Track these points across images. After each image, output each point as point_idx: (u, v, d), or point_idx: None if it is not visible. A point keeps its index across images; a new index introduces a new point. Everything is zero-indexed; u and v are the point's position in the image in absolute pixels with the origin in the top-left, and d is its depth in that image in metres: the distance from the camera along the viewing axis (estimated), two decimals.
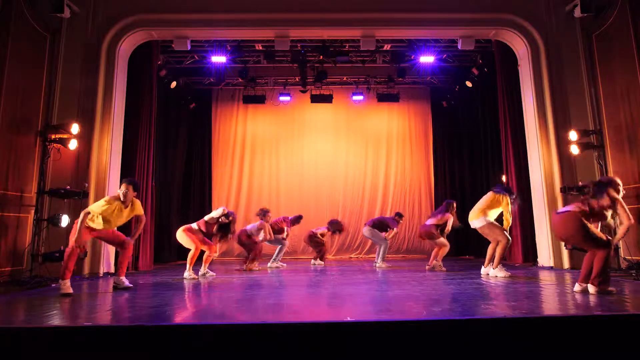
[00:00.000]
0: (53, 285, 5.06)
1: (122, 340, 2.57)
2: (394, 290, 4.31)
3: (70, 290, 4.19)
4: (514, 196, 5.69)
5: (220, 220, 5.93)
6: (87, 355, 2.53)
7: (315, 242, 8.31)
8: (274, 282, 5.39)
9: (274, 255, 7.76)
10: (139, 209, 4.75)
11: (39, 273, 5.72)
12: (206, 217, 5.99)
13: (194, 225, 5.92)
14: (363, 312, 3.21)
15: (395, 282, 5.07)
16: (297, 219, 8.21)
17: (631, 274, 5.36)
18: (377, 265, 7.44)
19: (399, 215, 7.98)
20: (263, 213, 7.21)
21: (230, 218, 5.99)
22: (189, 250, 5.87)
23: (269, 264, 7.58)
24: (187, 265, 5.76)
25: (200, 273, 5.99)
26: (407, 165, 11.17)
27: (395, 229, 7.65)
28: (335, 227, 8.24)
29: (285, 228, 7.80)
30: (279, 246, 7.78)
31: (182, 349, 2.53)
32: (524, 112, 7.41)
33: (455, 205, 6.60)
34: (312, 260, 8.33)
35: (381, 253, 7.50)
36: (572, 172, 6.72)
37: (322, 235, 8.34)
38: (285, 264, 7.99)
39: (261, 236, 7.14)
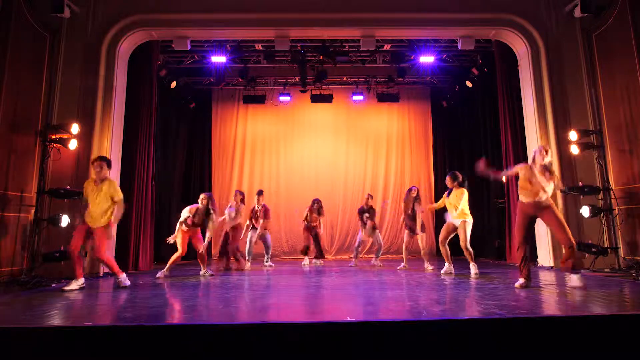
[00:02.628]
0: (53, 285, 5.08)
1: (122, 340, 2.57)
2: (393, 290, 4.31)
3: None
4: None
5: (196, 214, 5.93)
6: (87, 355, 2.53)
7: (305, 233, 8.09)
8: (273, 282, 5.38)
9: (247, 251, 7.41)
10: (114, 190, 4.77)
11: (39, 273, 5.71)
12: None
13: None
14: (363, 312, 3.21)
15: (395, 282, 5.07)
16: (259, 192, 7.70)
17: (631, 274, 5.36)
18: (374, 261, 7.76)
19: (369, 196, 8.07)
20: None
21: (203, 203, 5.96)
22: (191, 250, 5.95)
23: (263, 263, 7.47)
24: (168, 265, 5.93)
25: (201, 273, 6.03)
26: (407, 165, 11.17)
27: (366, 214, 7.73)
28: (316, 204, 8.03)
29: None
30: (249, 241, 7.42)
31: (182, 349, 2.53)
32: (524, 112, 7.41)
33: (413, 191, 6.86)
34: (313, 261, 8.13)
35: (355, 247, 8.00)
36: (572, 172, 6.71)
37: (309, 218, 8.00)
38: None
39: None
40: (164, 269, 5.92)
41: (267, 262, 7.72)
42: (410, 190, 6.92)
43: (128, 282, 4.86)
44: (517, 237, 4.37)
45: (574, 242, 4.15)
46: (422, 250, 6.80)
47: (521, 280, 4.25)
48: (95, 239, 4.77)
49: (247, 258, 7.34)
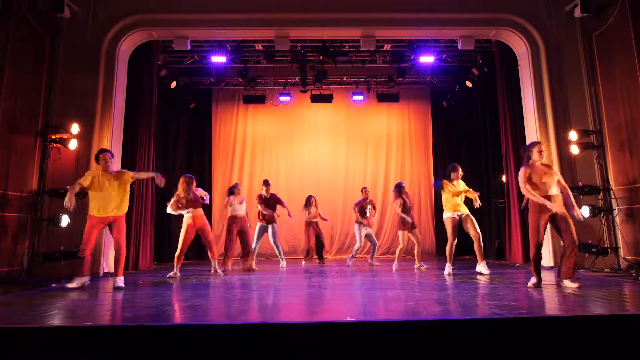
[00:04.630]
0: (53, 285, 5.07)
1: (122, 340, 2.57)
2: (394, 290, 4.31)
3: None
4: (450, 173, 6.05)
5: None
6: (87, 355, 2.53)
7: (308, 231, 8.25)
8: (273, 282, 5.38)
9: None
10: (127, 175, 4.93)
11: (39, 273, 5.71)
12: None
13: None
14: (363, 312, 3.21)
15: (395, 282, 5.07)
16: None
17: (631, 274, 5.36)
18: (370, 261, 7.67)
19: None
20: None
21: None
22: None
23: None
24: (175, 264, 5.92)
25: (219, 271, 6.12)
26: (407, 165, 11.17)
27: (356, 208, 7.70)
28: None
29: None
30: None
31: (182, 349, 2.53)
32: (524, 112, 7.40)
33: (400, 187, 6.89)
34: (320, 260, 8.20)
35: (353, 250, 7.87)
36: (572, 172, 6.71)
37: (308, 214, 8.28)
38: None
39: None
40: (175, 269, 5.86)
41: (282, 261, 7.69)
42: (401, 185, 6.90)
43: (122, 284, 4.80)
44: (532, 240, 4.37)
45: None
46: (417, 246, 6.79)
47: (534, 280, 4.29)
48: (119, 230, 4.82)
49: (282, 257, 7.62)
